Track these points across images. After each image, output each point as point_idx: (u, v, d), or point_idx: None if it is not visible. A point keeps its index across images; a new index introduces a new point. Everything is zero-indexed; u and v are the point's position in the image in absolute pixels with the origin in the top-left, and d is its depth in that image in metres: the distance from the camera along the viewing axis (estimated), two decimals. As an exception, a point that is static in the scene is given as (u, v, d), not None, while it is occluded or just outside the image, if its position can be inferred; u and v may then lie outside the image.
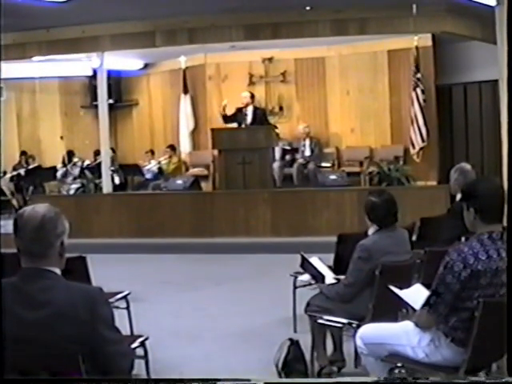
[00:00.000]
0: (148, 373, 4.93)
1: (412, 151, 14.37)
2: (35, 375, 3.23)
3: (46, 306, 3.18)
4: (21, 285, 3.25)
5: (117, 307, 5.87)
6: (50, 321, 3.16)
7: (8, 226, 13.19)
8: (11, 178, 16.34)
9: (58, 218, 3.30)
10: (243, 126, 13.33)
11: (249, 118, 13.39)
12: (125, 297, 6.30)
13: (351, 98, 15.44)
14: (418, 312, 4.36)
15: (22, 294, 3.22)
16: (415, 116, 14.17)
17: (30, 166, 16.48)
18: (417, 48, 14.17)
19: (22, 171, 16.35)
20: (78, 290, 3.29)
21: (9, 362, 3.24)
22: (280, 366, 5.62)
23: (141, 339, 4.86)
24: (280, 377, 5.61)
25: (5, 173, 16.49)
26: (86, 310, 3.18)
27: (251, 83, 15.91)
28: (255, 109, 13.68)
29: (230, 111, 13.34)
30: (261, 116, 13.59)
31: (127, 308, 6.34)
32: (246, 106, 13.46)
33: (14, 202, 15.87)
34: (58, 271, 3.31)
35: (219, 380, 3.24)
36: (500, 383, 3.33)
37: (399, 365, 4.29)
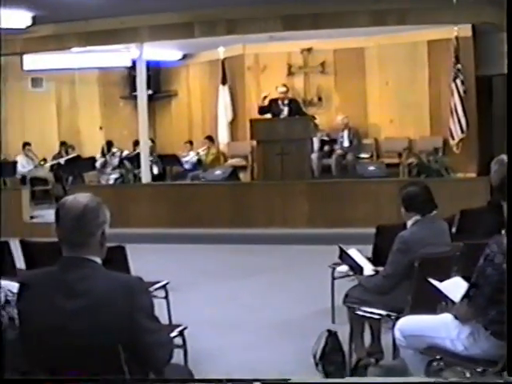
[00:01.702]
0: (186, 362, 4.94)
1: (451, 142, 14.25)
2: (72, 365, 3.24)
3: (86, 295, 3.19)
4: (60, 273, 3.27)
5: (155, 297, 5.89)
6: (90, 310, 3.17)
7: (48, 215, 13.43)
8: (51, 168, 16.50)
9: (100, 207, 3.32)
10: (280, 116, 13.32)
11: (285, 111, 13.36)
12: (163, 286, 6.34)
13: (390, 88, 15.33)
14: (457, 305, 4.33)
15: (61, 282, 3.24)
16: (455, 107, 14.04)
17: (70, 156, 16.63)
18: (457, 38, 14.02)
19: (61, 161, 16.50)
20: (117, 280, 3.31)
21: (45, 350, 3.28)
22: (318, 357, 5.61)
23: (179, 329, 4.87)
24: (317, 368, 5.60)
25: (45, 160, 16.64)
26: (125, 299, 3.18)
27: (290, 74, 15.88)
28: (290, 101, 13.65)
29: (261, 103, 13.38)
30: (296, 108, 13.56)
31: (166, 297, 6.38)
32: (283, 99, 13.43)
33: (54, 191, 16.02)
34: (98, 260, 3.32)
35: (256, 380, 3.24)
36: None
37: (438, 357, 4.27)
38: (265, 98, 13.27)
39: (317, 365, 5.62)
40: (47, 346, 3.27)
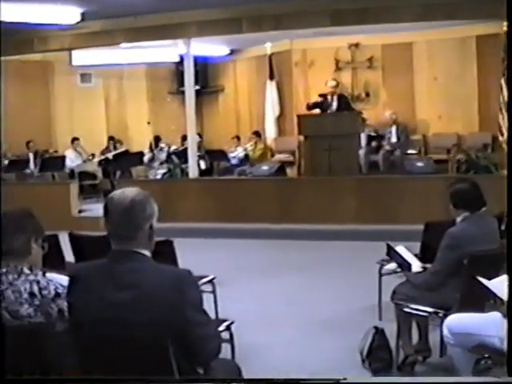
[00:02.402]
0: (233, 357, 4.93)
1: (500, 139, 14.05)
2: (120, 357, 3.27)
3: (135, 288, 3.22)
4: (110, 266, 3.31)
5: (202, 291, 5.91)
6: (139, 302, 3.19)
7: (96, 209, 13.56)
8: (99, 163, 16.65)
9: (148, 201, 3.35)
10: (328, 112, 13.30)
11: (334, 106, 13.33)
12: (211, 281, 6.36)
13: (439, 84, 15.20)
14: (506, 303, 4.28)
15: (111, 275, 3.28)
16: (504, 102, 13.86)
17: (118, 151, 16.76)
18: (506, 33, 13.82)
19: (109, 155, 16.63)
20: (167, 272, 3.33)
21: (94, 342, 3.33)
22: (365, 353, 5.60)
23: (226, 323, 4.88)
24: (364, 364, 5.58)
25: (93, 155, 16.80)
26: (174, 292, 3.20)
27: (337, 69, 15.83)
28: (339, 96, 13.62)
29: (314, 98, 13.36)
30: (345, 104, 13.53)
31: (213, 292, 6.39)
32: (332, 94, 13.41)
33: (102, 186, 16.17)
34: (147, 253, 3.35)
35: (304, 380, 3.23)
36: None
37: (486, 356, 4.22)
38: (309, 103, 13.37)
39: (363, 361, 5.61)
40: (96, 337, 3.30)
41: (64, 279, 3.70)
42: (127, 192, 3.34)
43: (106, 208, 3.37)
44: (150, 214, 3.34)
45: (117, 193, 3.37)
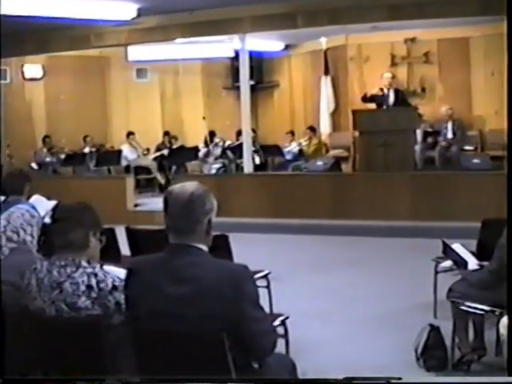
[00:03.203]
0: (287, 352, 4.94)
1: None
2: (177, 351, 3.28)
3: (192, 282, 3.23)
4: (168, 260, 3.33)
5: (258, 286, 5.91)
6: (196, 296, 3.21)
7: (151, 203, 13.65)
8: (155, 158, 16.77)
9: (207, 195, 3.36)
10: (384, 107, 13.23)
11: (390, 100, 13.26)
12: (265, 276, 6.36)
13: (496, 79, 14.97)
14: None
15: (168, 269, 3.29)
16: None
17: (174, 146, 16.86)
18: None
19: (165, 151, 16.73)
20: (224, 267, 3.35)
21: (151, 335, 3.36)
22: (419, 351, 5.55)
23: (281, 318, 4.89)
24: (418, 362, 5.54)
25: (148, 150, 16.92)
26: (231, 287, 3.20)
27: (393, 64, 15.70)
28: (396, 91, 13.53)
29: (370, 92, 13.29)
30: (402, 98, 13.44)
31: (267, 287, 6.39)
32: (388, 87, 13.34)
33: (158, 180, 16.29)
34: (204, 248, 3.36)
35: (357, 378, 3.22)
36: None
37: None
38: (366, 93, 13.29)
39: (418, 359, 5.56)
40: (152, 331, 3.33)
41: (121, 272, 3.74)
42: (187, 186, 3.35)
43: (165, 201, 3.39)
44: (209, 209, 3.35)
45: (176, 187, 3.39)
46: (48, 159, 16.01)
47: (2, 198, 6.71)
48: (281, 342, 4.68)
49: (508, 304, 3.46)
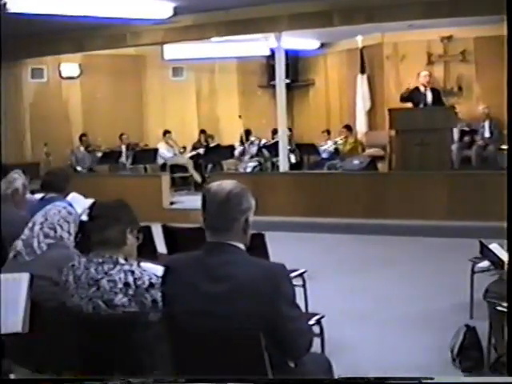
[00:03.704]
0: (323, 351, 4.92)
1: None
2: (212, 349, 3.28)
3: (228, 280, 3.23)
4: (204, 258, 3.32)
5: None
6: (232, 295, 3.20)
7: (187, 201, 13.67)
8: (191, 156, 16.81)
9: (244, 193, 3.35)
10: (421, 105, 13.15)
11: (428, 99, 13.18)
12: (301, 274, 6.35)
13: (534, 78, 14.81)
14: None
15: (204, 267, 3.29)
16: None
17: (211, 145, 16.88)
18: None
19: (201, 150, 16.76)
20: (261, 266, 3.33)
21: (187, 333, 3.35)
22: (455, 352, 5.51)
23: (317, 317, 4.88)
24: (454, 363, 5.50)
25: (184, 148, 16.97)
26: (268, 285, 3.19)
27: (430, 63, 15.58)
28: (433, 89, 13.45)
29: (409, 86, 13.29)
30: (437, 97, 13.35)
31: (303, 286, 6.38)
32: (425, 86, 13.27)
33: (193, 179, 16.33)
34: (242, 247, 3.36)
35: (386, 379, 3.20)
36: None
37: None
38: (407, 89, 13.21)
39: (454, 360, 5.52)
40: (189, 328, 3.33)
41: (158, 270, 3.76)
42: (224, 184, 3.35)
43: (203, 199, 3.38)
44: (247, 208, 3.35)
45: (214, 185, 3.38)
46: (85, 157, 16.10)
47: (41, 195, 6.78)
48: (316, 342, 4.67)
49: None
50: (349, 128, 16.08)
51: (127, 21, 12.92)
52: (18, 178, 6.58)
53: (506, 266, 5.62)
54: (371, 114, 16.45)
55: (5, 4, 11.04)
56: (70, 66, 16.80)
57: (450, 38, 15.49)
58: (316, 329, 4.84)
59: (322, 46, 17.58)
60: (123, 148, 16.29)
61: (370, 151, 15.49)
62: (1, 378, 2.49)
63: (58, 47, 14.88)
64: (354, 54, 16.55)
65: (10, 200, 6.43)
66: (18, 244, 4.60)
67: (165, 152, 16.55)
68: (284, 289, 3.25)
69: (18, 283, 3.64)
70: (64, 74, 16.87)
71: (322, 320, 4.95)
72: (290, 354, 3.39)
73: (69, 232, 4.60)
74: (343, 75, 17.36)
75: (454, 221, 11.27)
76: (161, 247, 6.66)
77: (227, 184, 3.35)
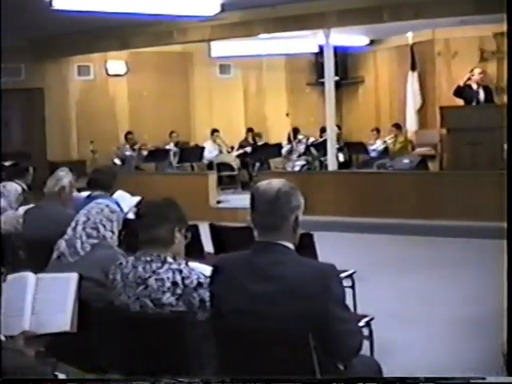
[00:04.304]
0: (372, 353, 4.85)
1: None
2: (260, 349, 3.25)
3: (277, 280, 3.19)
4: (253, 258, 3.29)
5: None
6: (281, 295, 3.17)
7: (234, 200, 13.65)
8: (238, 154, 16.78)
9: (293, 192, 3.31)
10: (473, 103, 12.96)
11: (480, 97, 12.98)
12: (350, 275, 6.24)
13: None
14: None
15: (253, 266, 3.26)
16: None
17: (259, 143, 16.82)
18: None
19: (248, 149, 16.71)
20: (311, 266, 3.29)
21: (235, 333, 3.33)
22: (506, 356, 5.35)
23: (366, 319, 4.81)
24: (505, 367, 5.34)
25: (232, 148, 16.95)
26: (317, 286, 3.15)
27: (482, 59, 15.34)
28: (485, 87, 13.24)
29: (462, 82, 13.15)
30: (490, 95, 13.15)
31: (352, 287, 6.27)
32: (478, 84, 13.07)
33: (240, 177, 16.30)
34: (291, 246, 3.31)
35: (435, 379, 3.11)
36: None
37: None
38: (468, 79, 13.09)
39: (505, 363, 5.36)
40: (237, 328, 3.31)
41: (206, 269, 3.76)
42: (273, 183, 3.31)
43: (252, 198, 3.34)
44: (296, 206, 3.30)
45: (263, 183, 3.35)
46: (131, 155, 16.13)
47: (87, 193, 6.78)
48: (365, 344, 4.57)
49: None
50: (398, 126, 15.91)
51: (174, 18, 12.95)
52: (64, 176, 6.60)
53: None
54: (422, 112, 16.27)
55: (51, 2, 11.10)
56: (116, 63, 16.90)
57: (503, 34, 15.19)
58: (365, 331, 4.74)
59: (372, 42, 17.47)
60: (172, 146, 16.28)
61: (420, 150, 15.29)
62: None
63: (105, 44, 14.98)
64: (404, 51, 16.38)
65: (57, 198, 6.44)
66: (62, 244, 4.58)
67: (211, 150, 16.53)
68: (334, 289, 3.21)
69: (67, 282, 3.64)
70: (111, 72, 16.97)
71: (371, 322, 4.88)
72: (340, 356, 3.36)
73: (112, 231, 4.59)
74: (393, 72, 17.21)
75: (506, 222, 11.02)
76: (207, 246, 6.61)
77: (276, 182, 3.31)
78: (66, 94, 16.55)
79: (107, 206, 4.69)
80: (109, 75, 16.98)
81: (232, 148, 16.94)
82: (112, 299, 3.82)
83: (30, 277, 3.62)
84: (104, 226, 4.55)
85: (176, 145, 16.35)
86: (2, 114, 15.55)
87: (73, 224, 4.61)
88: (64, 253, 4.52)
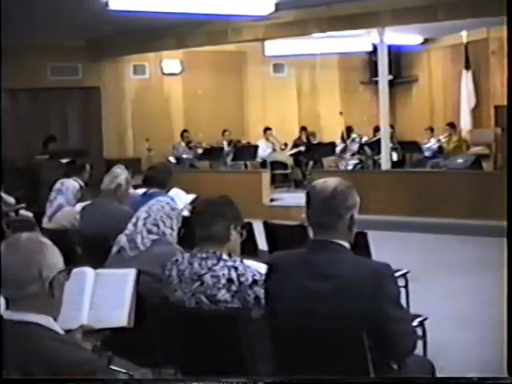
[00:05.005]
0: (425, 354, 4.83)
1: None
2: (314, 346, 3.25)
3: (333, 279, 3.19)
4: (309, 256, 3.29)
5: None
6: (336, 294, 3.17)
7: (287, 198, 13.64)
8: (291, 154, 16.79)
9: (350, 191, 3.32)
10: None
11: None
12: (404, 275, 6.22)
13: None
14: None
15: (308, 265, 3.27)
16: None
17: (314, 142, 16.80)
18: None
19: (302, 148, 16.70)
20: (366, 265, 3.29)
21: (290, 330, 3.35)
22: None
23: (420, 319, 4.78)
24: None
25: (285, 145, 16.93)
26: (373, 285, 3.14)
27: (540, 57, 15.14)
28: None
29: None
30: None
31: (405, 286, 6.25)
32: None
33: (294, 176, 16.31)
34: (346, 245, 3.31)
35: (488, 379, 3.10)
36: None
37: None
38: None
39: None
40: (291, 326, 3.32)
41: (261, 267, 3.77)
42: (329, 181, 3.32)
43: (307, 196, 3.35)
44: (352, 204, 3.31)
45: (319, 182, 3.36)
46: (186, 153, 16.26)
47: (143, 190, 6.86)
48: (418, 344, 4.57)
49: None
50: (452, 126, 15.77)
51: (228, 17, 12.98)
52: (121, 174, 6.68)
53: None
54: (476, 111, 16.09)
55: (107, 2, 11.25)
56: (171, 62, 17.00)
57: (560, 32, 15.00)
58: (418, 331, 4.72)
59: (426, 41, 17.33)
60: (225, 144, 16.35)
61: (474, 149, 15.13)
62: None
63: (160, 44, 15.08)
64: (458, 50, 16.24)
65: (113, 195, 6.53)
66: (122, 239, 4.66)
67: (265, 149, 16.54)
68: (389, 289, 3.21)
69: (125, 278, 3.69)
70: (166, 71, 17.08)
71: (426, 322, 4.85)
72: (394, 356, 3.34)
73: (171, 228, 4.66)
74: (447, 71, 17.07)
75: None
76: (260, 244, 6.63)
77: (332, 181, 3.32)
78: (122, 93, 16.72)
79: (168, 203, 4.77)
80: (164, 74, 17.10)
81: (285, 145, 16.92)
82: (167, 295, 3.85)
83: (89, 272, 3.67)
84: (164, 223, 4.62)
85: (229, 143, 16.42)
86: (60, 112, 15.92)
87: (133, 220, 4.69)
88: (124, 247, 4.61)
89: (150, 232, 4.58)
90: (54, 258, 2.62)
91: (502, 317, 6.76)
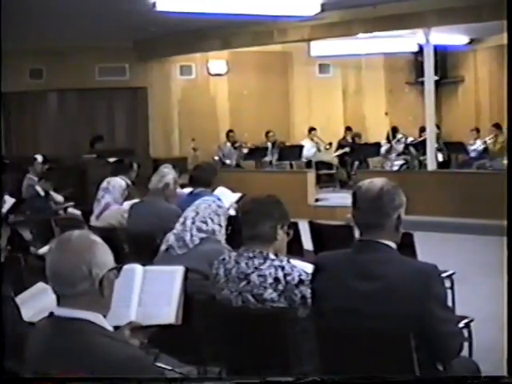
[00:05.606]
0: (471, 355, 4.78)
1: None
2: (359, 347, 3.25)
3: (379, 279, 3.19)
4: (355, 256, 3.30)
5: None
6: (383, 294, 3.16)
7: (332, 198, 13.59)
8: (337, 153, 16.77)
9: (396, 190, 3.32)
10: None
11: None
12: (449, 276, 6.20)
13: None
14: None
15: (356, 265, 3.27)
16: None
17: (359, 143, 16.76)
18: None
19: (347, 149, 16.67)
20: (413, 266, 3.28)
21: (334, 330, 3.34)
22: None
23: (466, 320, 4.75)
24: None
25: (330, 144, 16.91)
26: (420, 286, 3.13)
27: None
28: None
29: None
30: None
31: (451, 288, 6.22)
32: None
33: (339, 176, 16.29)
34: (393, 245, 3.31)
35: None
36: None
37: None
38: None
39: None
40: (338, 326, 3.32)
41: (307, 267, 3.76)
42: (376, 181, 3.32)
43: (354, 197, 3.36)
44: (399, 204, 3.30)
45: (366, 182, 3.36)
46: (231, 154, 16.33)
47: (190, 189, 6.92)
48: (465, 345, 4.55)
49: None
50: (499, 127, 15.59)
51: (274, 18, 13.01)
52: (168, 173, 6.75)
53: None
54: (522, 112, 15.89)
55: (154, 4, 11.35)
56: (217, 62, 17.08)
57: None
58: (464, 332, 4.69)
59: (472, 41, 17.16)
60: (269, 144, 16.39)
61: (520, 151, 14.96)
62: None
63: (206, 44, 15.15)
64: (504, 50, 16.03)
65: (161, 194, 6.59)
66: (170, 238, 4.72)
67: (310, 149, 16.54)
68: (436, 290, 3.19)
69: (174, 275, 3.68)
70: (212, 71, 17.16)
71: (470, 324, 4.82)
72: (440, 357, 3.33)
73: (219, 224, 4.71)
74: (493, 72, 16.87)
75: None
76: (306, 244, 6.64)
77: (378, 181, 3.32)
78: (169, 93, 16.83)
79: (214, 201, 4.82)
80: (210, 75, 17.18)
81: (330, 144, 16.88)
82: (214, 293, 3.87)
83: (138, 269, 3.68)
84: (212, 220, 4.68)
85: (273, 144, 16.44)
86: (107, 112, 16.09)
87: (181, 219, 4.75)
88: (172, 245, 4.67)
89: (199, 229, 4.64)
90: (105, 256, 2.63)
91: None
